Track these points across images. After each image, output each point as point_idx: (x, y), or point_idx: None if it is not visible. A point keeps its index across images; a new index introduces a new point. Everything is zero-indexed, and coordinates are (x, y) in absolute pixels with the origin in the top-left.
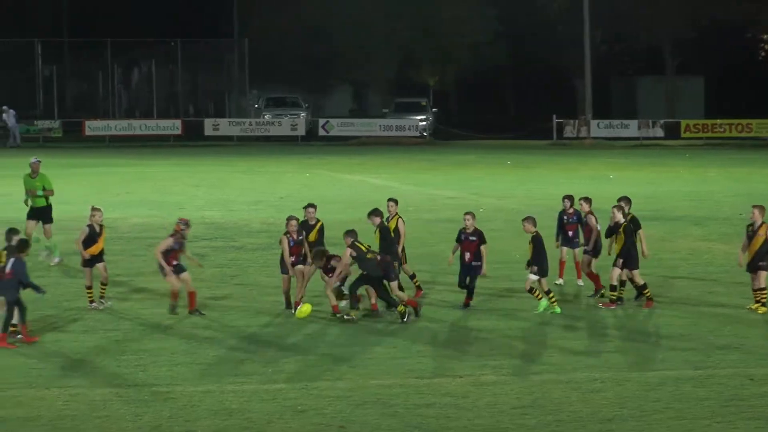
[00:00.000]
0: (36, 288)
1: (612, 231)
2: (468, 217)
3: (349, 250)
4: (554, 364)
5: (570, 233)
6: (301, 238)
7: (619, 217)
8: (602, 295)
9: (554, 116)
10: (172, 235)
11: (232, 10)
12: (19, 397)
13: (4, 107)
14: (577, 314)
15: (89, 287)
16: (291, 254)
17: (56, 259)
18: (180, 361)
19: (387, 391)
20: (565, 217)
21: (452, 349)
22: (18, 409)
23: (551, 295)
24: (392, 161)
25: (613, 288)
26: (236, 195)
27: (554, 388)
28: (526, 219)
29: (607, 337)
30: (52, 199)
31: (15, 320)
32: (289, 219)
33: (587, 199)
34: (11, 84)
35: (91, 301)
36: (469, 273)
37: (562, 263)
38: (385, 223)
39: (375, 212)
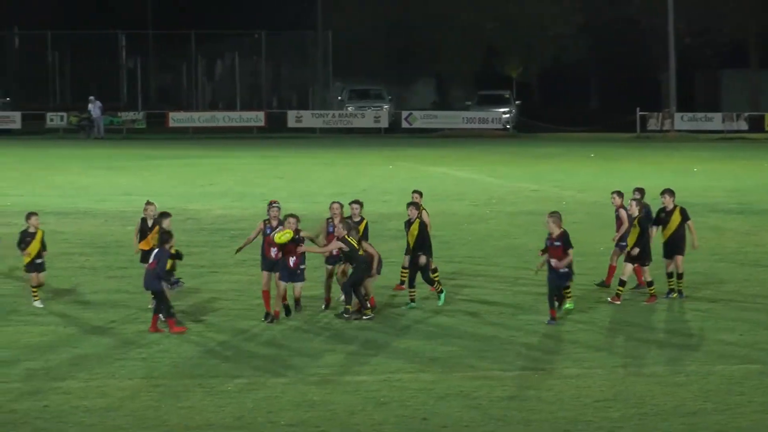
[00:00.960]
0: (168, 282)
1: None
2: (550, 219)
3: (344, 233)
4: (637, 357)
5: None
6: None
7: (634, 211)
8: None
9: (638, 109)
10: (264, 221)
11: (316, 2)
12: (102, 387)
13: (91, 98)
14: (656, 308)
15: None
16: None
17: None
18: (262, 353)
19: (469, 384)
20: None
21: (534, 342)
22: (101, 399)
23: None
24: (475, 154)
25: (621, 283)
26: (319, 187)
27: (637, 382)
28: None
29: (689, 332)
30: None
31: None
32: (333, 204)
33: (619, 193)
34: (96, 76)
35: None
36: (557, 281)
37: None
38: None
39: (415, 205)
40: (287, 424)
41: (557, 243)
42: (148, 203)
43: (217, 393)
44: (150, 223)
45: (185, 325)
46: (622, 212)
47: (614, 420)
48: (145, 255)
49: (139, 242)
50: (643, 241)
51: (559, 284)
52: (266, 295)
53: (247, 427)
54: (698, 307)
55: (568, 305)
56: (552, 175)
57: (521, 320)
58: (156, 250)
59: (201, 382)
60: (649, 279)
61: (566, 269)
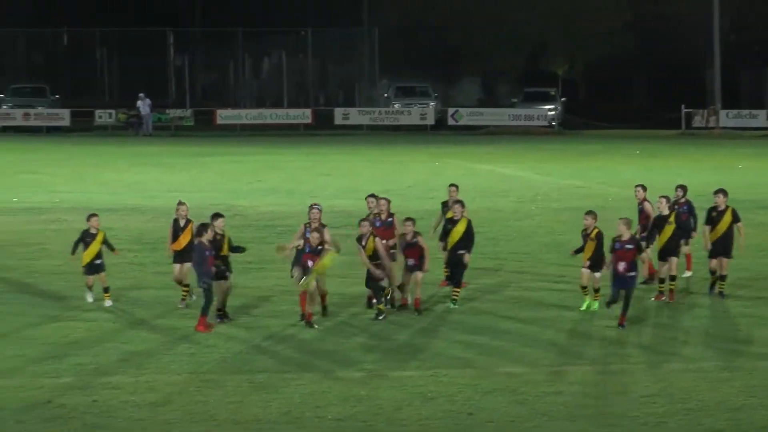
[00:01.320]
0: (201, 276)
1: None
2: (621, 222)
3: (370, 229)
4: (681, 353)
5: None
6: (390, 219)
7: (664, 209)
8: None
9: (683, 106)
10: (305, 224)
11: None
12: (151, 382)
13: (141, 95)
14: (700, 303)
15: (179, 282)
16: (381, 238)
17: None
18: (309, 349)
19: (515, 379)
20: (676, 207)
21: (579, 338)
22: (151, 394)
23: (598, 294)
24: (521, 150)
25: (661, 281)
26: (365, 184)
27: (682, 377)
28: (590, 214)
29: (734, 328)
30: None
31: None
32: (380, 200)
33: (643, 187)
34: (144, 73)
35: (182, 299)
36: (623, 285)
37: (687, 256)
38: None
39: (460, 203)
40: (334, 418)
41: (629, 246)
42: (180, 203)
43: (264, 388)
44: (182, 223)
45: (211, 329)
46: (647, 205)
47: (659, 415)
48: (177, 255)
49: (172, 243)
50: (680, 237)
51: (627, 287)
52: (304, 296)
53: (295, 421)
54: (743, 303)
55: (594, 306)
56: (597, 172)
57: (566, 317)
58: (196, 243)
59: (249, 378)
60: (673, 274)
61: (633, 273)
